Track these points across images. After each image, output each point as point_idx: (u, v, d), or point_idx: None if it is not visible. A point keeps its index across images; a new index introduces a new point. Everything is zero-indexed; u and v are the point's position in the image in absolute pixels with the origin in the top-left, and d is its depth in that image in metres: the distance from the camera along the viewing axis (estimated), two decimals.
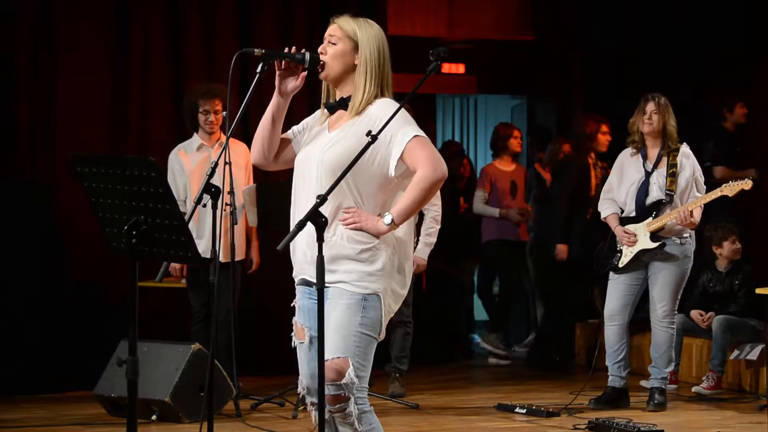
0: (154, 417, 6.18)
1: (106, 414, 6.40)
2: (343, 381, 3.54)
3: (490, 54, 10.52)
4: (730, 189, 6.41)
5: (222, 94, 6.75)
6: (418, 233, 6.91)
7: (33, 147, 7.61)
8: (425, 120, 10.38)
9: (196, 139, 6.91)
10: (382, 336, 3.66)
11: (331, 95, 3.76)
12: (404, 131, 3.57)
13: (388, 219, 3.56)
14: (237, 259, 6.61)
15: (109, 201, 3.51)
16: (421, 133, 3.61)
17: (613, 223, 6.77)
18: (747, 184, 6.38)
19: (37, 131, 7.62)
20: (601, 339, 6.96)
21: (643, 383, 7.00)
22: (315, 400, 3.65)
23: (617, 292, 6.76)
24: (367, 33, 3.67)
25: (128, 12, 7.88)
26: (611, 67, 9.41)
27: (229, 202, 6.11)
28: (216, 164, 3.82)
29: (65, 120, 7.67)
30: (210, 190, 3.91)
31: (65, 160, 6.95)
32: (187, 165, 6.85)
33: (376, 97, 3.65)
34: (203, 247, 6.27)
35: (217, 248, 4.41)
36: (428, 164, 3.55)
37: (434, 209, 6.91)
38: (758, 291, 6.41)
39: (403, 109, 3.56)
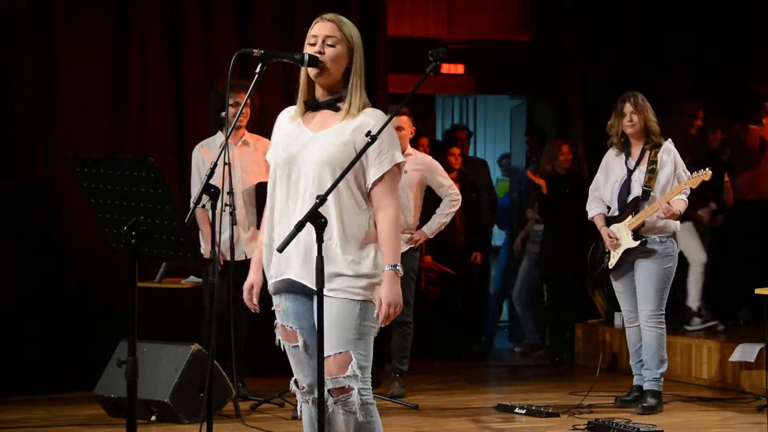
0: (153, 417, 6.19)
1: (105, 414, 6.40)
2: (347, 374, 3.56)
3: (490, 54, 10.51)
4: (692, 181, 6.45)
5: (245, 88, 6.72)
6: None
7: (33, 147, 7.61)
8: (425, 120, 10.39)
9: (219, 136, 6.90)
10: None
11: (306, 93, 3.71)
12: (393, 155, 3.64)
13: (399, 269, 3.62)
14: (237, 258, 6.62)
15: (109, 202, 3.51)
16: (401, 159, 3.70)
17: (599, 224, 6.79)
18: (707, 175, 6.40)
19: (37, 131, 7.62)
20: (605, 340, 6.95)
21: None
22: (314, 396, 3.67)
23: (624, 295, 6.80)
24: (357, 36, 3.68)
25: (128, 12, 7.88)
26: (611, 67, 9.41)
27: (228, 203, 6.11)
28: (215, 165, 3.82)
29: (65, 120, 7.68)
30: (209, 190, 3.91)
31: (65, 160, 6.95)
32: (208, 162, 6.86)
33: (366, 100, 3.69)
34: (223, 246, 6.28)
35: (216, 249, 4.40)
36: (395, 205, 3.66)
37: (453, 193, 7.02)
38: (758, 291, 6.41)
39: (389, 126, 3.61)
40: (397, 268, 3.61)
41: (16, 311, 7.31)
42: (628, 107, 6.66)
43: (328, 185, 3.50)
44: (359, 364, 3.58)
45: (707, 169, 6.45)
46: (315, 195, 3.48)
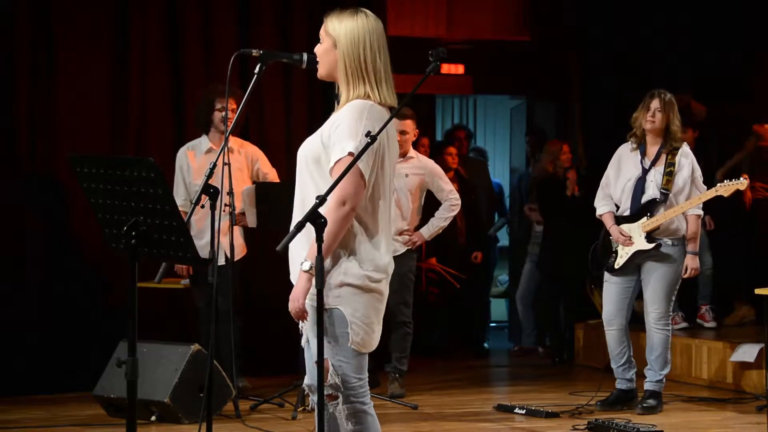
0: (153, 418, 6.19)
1: (105, 415, 6.40)
2: (329, 382, 3.52)
3: (490, 55, 10.52)
4: (725, 189, 6.35)
5: (235, 95, 6.74)
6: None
7: (32, 147, 7.61)
8: (425, 121, 10.40)
9: (205, 141, 6.94)
10: (371, 330, 3.53)
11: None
12: (343, 146, 3.44)
13: (306, 265, 3.41)
14: (236, 259, 6.63)
15: (109, 202, 3.51)
16: (351, 149, 3.42)
17: (609, 222, 6.68)
18: (742, 184, 6.32)
19: (37, 131, 7.62)
20: (605, 340, 6.89)
21: None
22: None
23: (611, 295, 6.69)
24: (345, 27, 3.55)
25: (127, 12, 7.88)
26: (611, 67, 9.41)
27: (228, 203, 6.11)
28: (215, 165, 3.82)
29: (65, 120, 7.68)
30: (208, 191, 3.91)
31: (65, 160, 6.95)
32: (194, 166, 6.88)
33: (366, 94, 3.54)
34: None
35: (216, 249, 4.40)
36: (336, 197, 3.40)
37: (453, 198, 7.05)
38: (757, 291, 6.40)
39: (358, 118, 3.46)
40: (310, 268, 3.40)
41: (16, 311, 7.32)
42: (654, 103, 6.54)
43: (302, 182, 3.56)
44: (339, 372, 3.50)
45: (742, 179, 6.37)
46: (297, 192, 3.57)
